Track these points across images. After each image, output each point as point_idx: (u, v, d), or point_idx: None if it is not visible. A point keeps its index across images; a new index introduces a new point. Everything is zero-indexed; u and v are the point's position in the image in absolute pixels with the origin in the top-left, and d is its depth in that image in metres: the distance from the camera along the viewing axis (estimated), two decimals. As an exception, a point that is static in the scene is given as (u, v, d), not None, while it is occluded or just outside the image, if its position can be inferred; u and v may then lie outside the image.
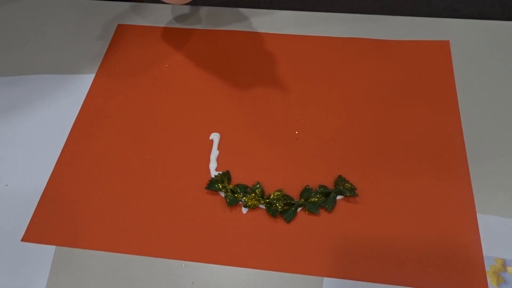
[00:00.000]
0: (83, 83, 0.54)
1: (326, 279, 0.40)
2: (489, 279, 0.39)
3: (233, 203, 0.44)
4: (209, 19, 0.60)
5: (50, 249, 0.42)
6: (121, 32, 0.59)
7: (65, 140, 0.49)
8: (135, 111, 0.52)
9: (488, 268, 0.40)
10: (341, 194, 0.44)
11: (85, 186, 0.46)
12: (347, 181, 0.45)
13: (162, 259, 0.41)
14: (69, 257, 0.42)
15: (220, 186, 0.45)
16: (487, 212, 0.43)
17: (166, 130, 0.50)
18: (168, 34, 0.59)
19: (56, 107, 0.52)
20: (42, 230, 0.43)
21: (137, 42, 0.58)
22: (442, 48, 0.55)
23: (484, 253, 0.40)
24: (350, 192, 0.44)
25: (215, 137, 0.49)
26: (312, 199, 0.44)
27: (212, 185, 0.45)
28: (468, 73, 0.53)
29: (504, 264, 0.40)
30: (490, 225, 0.42)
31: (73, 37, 0.59)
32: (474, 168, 0.45)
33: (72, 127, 0.50)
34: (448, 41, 0.55)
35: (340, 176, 0.45)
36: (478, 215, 0.42)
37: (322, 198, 0.44)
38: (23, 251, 0.42)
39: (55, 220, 0.44)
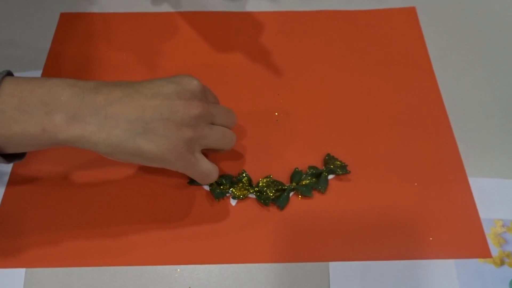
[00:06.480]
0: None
1: (332, 264, 0.38)
2: (491, 241, 0.39)
3: (220, 196, 0.41)
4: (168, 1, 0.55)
5: (19, 273, 0.37)
6: (66, 22, 0.53)
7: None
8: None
9: (488, 231, 0.39)
10: (332, 173, 0.42)
11: (46, 195, 0.41)
12: (337, 159, 0.43)
13: (153, 267, 0.37)
14: (43, 279, 0.37)
15: (204, 180, 0.41)
16: (478, 175, 0.42)
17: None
18: (121, 20, 0.53)
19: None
20: (8, 252, 0.38)
21: (85, 31, 0.52)
22: (409, 15, 0.54)
23: (483, 216, 0.40)
24: (342, 169, 0.42)
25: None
26: (304, 182, 0.41)
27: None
28: (437, 37, 0.52)
29: (503, 225, 0.40)
30: (483, 187, 0.42)
31: (12, 30, 0.52)
32: (458, 133, 0.45)
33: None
34: (414, 7, 0.54)
35: (328, 155, 0.43)
36: (469, 178, 0.42)
37: (314, 179, 0.41)
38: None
39: (22, 239, 0.38)
